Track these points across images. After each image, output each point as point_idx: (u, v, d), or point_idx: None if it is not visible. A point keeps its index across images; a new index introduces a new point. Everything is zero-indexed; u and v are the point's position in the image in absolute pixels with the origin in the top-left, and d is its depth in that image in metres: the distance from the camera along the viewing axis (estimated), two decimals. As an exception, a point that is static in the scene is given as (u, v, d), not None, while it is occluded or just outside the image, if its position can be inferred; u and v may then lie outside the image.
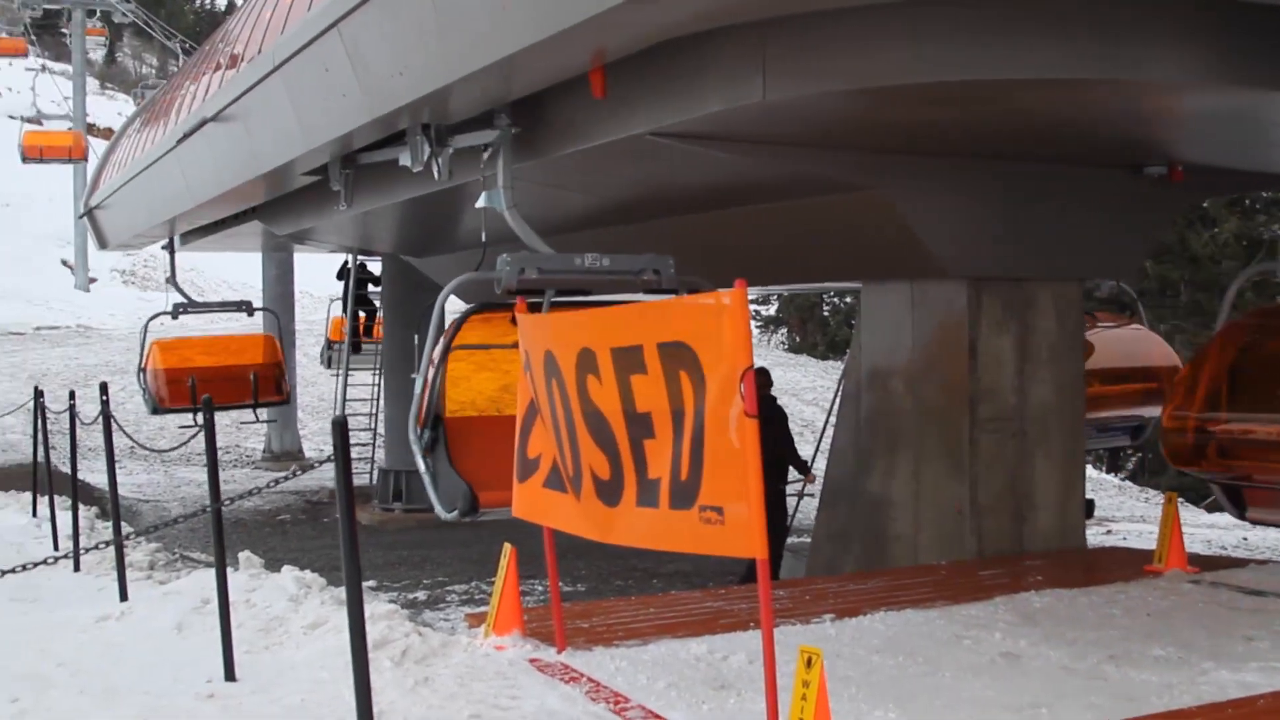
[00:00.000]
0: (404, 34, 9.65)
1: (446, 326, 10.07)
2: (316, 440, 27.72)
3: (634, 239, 15.75)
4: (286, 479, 5.75)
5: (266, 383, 21.94)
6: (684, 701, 6.80)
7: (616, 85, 8.89)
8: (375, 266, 23.65)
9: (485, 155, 10.13)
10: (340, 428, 4.60)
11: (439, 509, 9.37)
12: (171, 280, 24.31)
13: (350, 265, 23.30)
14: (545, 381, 6.94)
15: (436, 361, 9.69)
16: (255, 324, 25.11)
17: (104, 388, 10.14)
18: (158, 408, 21.35)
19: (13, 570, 5.72)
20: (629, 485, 6.38)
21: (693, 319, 5.85)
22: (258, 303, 24.90)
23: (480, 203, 10.15)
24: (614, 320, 6.52)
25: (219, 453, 23.30)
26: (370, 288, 24.23)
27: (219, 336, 23.85)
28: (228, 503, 6.93)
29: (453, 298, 10.18)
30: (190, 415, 20.30)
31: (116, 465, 22.14)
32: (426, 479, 9.52)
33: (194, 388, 20.29)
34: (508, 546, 8.02)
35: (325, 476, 22.83)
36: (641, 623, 8.67)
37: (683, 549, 6.18)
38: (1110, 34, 7.66)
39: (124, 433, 11.06)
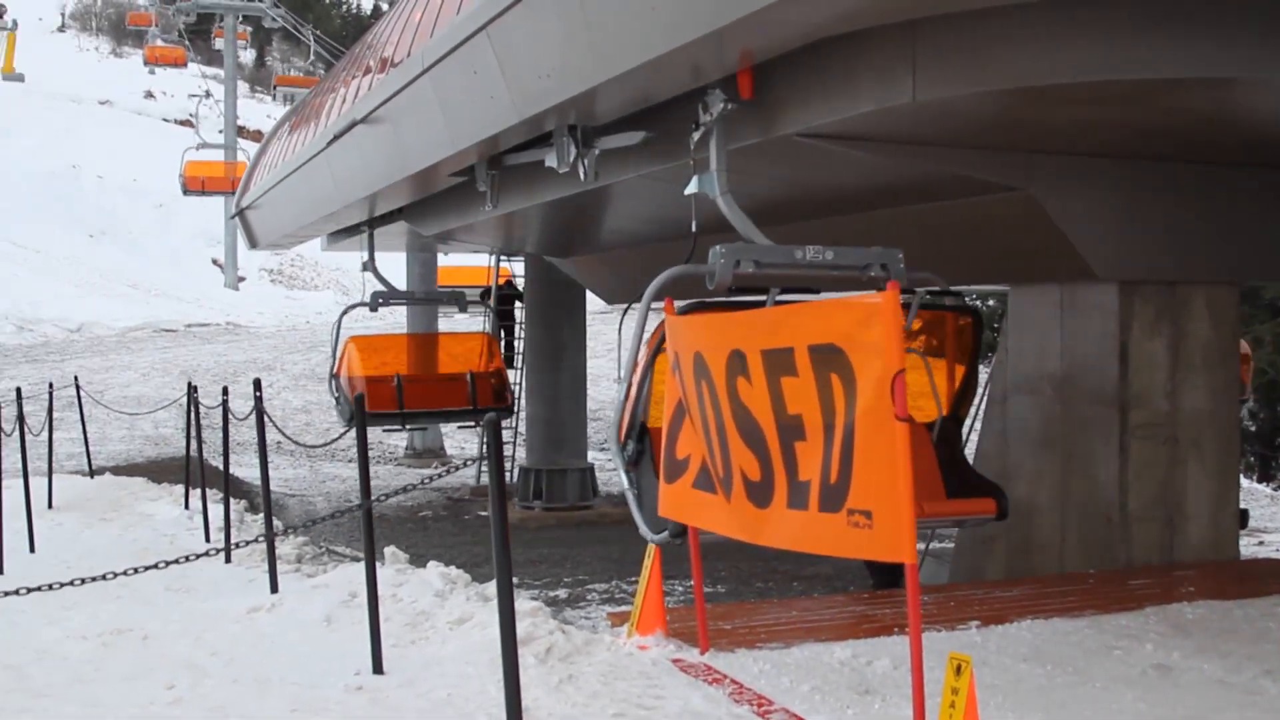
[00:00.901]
0: (552, 36, 9.72)
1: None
2: (458, 438, 28.05)
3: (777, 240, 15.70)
4: (439, 476, 5.82)
5: (485, 389, 20.23)
6: (828, 706, 6.75)
7: (764, 86, 8.88)
8: (519, 282, 23.45)
9: (695, 135, 9.16)
10: (493, 428, 4.64)
11: (645, 530, 8.54)
12: (370, 265, 21.28)
13: (494, 284, 23.07)
14: (694, 383, 6.94)
15: (642, 367, 8.93)
16: (395, 323, 25.41)
17: (257, 384, 10.36)
18: (352, 419, 18.99)
19: (175, 561, 5.88)
20: (780, 487, 6.37)
21: (844, 322, 5.82)
22: None
23: (689, 188, 9.27)
24: (764, 322, 6.52)
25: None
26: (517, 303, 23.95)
27: (428, 335, 23.10)
28: (378, 500, 7.03)
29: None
30: (397, 424, 19.60)
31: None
32: (630, 497, 8.88)
33: (400, 390, 19.16)
34: (651, 546, 8.03)
35: (465, 474, 23.13)
36: (784, 625, 8.63)
37: (830, 552, 6.15)
38: (1272, 31, 7.45)
39: (276, 428, 11.30)
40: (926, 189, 11.26)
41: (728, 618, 8.87)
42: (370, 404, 17.54)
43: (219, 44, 67.85)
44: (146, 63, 66.37)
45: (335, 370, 19.51)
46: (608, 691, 6.93)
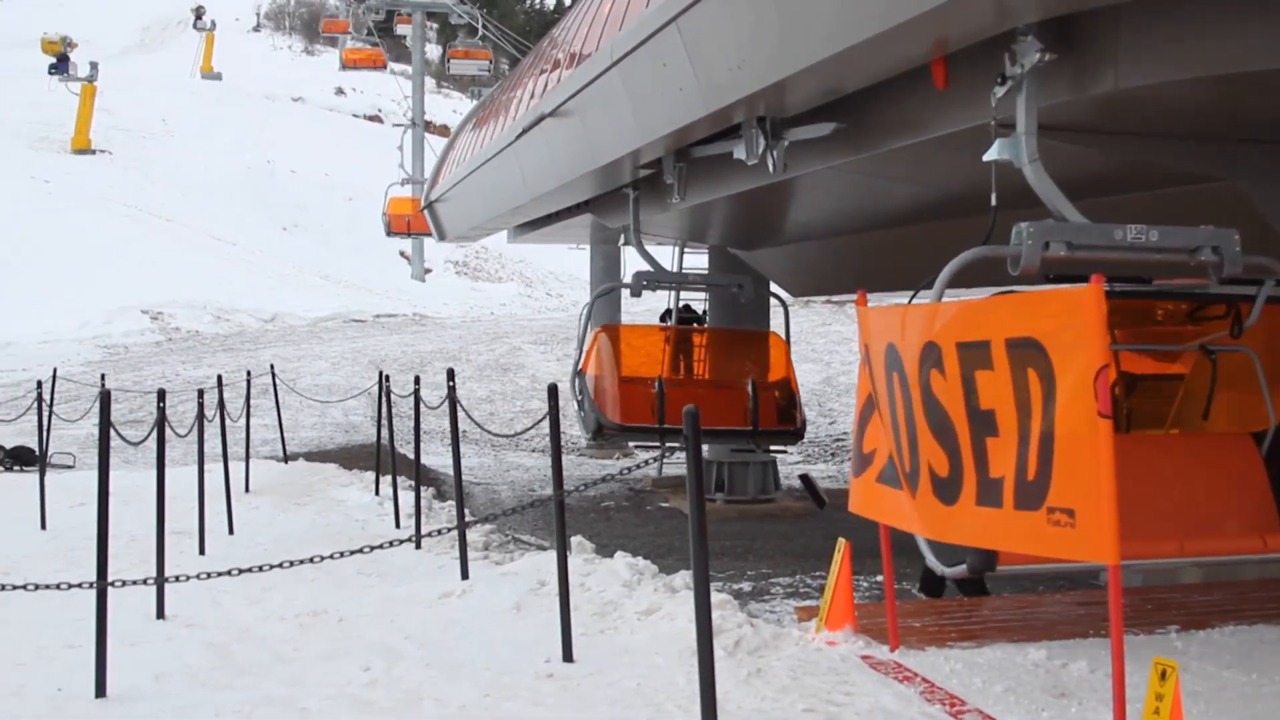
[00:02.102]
0: (743, 28, 9.69)
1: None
2: (640, 429, 28.16)
3: (961, 235, 15.46)
4: (638, 469, 5.84)
5: (769, 405, 16.51)
6: (1022, 707, 6.62)
7: (958, 76, 8.73)
8: (698, 307, 22.32)
9: (999, 93, 7.88)
10: (693, 419, 4.64)
11: (933, 561, 7.27)
12: (634, 235, 16.61)
13: (673, 306, 20.52)
14: (885, 375, 6.87)
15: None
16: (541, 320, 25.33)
17: (450, 374, 10.53)
18: (602, 428, 16.19)
19: (378, 547, 6.00)
20: (968, 483, 6.27)
21: (1045, 315, 5.71)
22: None
23: (990, 154, 8.06)
24: (961, 314, 6.41)
25: (544, 438, 23.85)
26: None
27: (700, 328, 19.69)
28: (570, 492, 7.10)
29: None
30: (654, 440, 15.96)
31: (449, 447, 23.04)
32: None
33: (661, 398, 15.64)
34: (842, 542, 7.98)
35: (649, 465, 23.21)
36: (975, 624, 8.48)
37: (1025, 550, 6.03)
38: None
39: (469, 418, 11.48)
40: (1123, 180, 10.98)
41: (917, 615, 8.75)
42: (623, 412, 15.89)
43: (407, 39, 69.38)
44: (344, 66, 67.61)
45: (581, 366, 16.57)
46: (797, 686, 6.89)
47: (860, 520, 7.64)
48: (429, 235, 33.90)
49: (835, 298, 37.92)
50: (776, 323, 19.57)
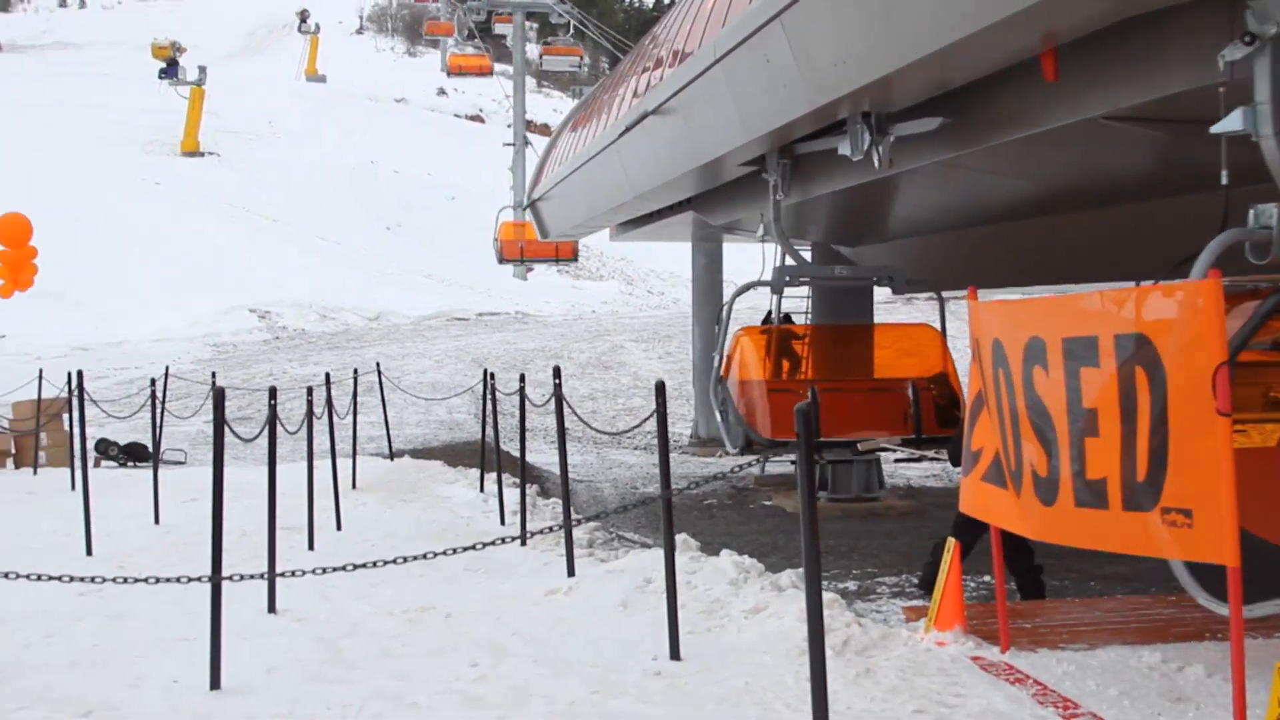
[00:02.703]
0: (849, 23, 9.63)
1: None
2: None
3: (1074, 229, 15.27)
4: (747, 467, 5.82)
5: (929, 407, 15.61)
6: (1137, 711, 6.50)
7: (1068, 68, 8.61)
8: (798, 319, 21.56)
9: (1232, 55, 6.89)
10: (804, 416, 4.60)
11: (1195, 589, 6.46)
12: (776, 225, 14.75)
13: (775, 313, 20.65)
14: (993, 371, 6.78)
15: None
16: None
17: (557, 372, 10.55)
18: (751, 444, 15.37)
19: (490, 544, 6.03)
20: (1064, 484, 6.17)
21: (1156, 310, 5.59)
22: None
23: (1223, 125, 6.98)
24: (1069, 309, 6.30)
25: (646, 436, 23.82)
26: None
27: (847, 325, 18.45)
28: (678, 491, 7.10)
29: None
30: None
31: (551, 445, 23.13)
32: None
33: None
34: (951, 541, 7.89)
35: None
36: (1087, 626, 8.35)
37: (1138, 551, 5.92)
38: None
39: (577, 415, 11.52)
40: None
41: (1027, 616, 8.64)
42: (774, 425, 14.84)
43: (507, 39, 69.89)
44: (451, 74, 68.02)
45: (721, 372, 15.41)
46: (907, 687, 6.82)
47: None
48: (546, 261, 32.38)
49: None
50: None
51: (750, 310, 25.66)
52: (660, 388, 7.88)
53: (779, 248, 22.44)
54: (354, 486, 16.30)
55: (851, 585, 13.67)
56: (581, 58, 77.68)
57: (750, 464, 6.22)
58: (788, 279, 14.97)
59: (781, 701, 6.61)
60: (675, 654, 7.51)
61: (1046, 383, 6.28)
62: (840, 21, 9.78)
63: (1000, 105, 9.95)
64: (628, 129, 16.53)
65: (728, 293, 21.90)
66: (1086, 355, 5.95)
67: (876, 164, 11.10)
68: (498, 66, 75.51)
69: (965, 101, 10.17)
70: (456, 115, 79.29)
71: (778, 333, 16.36)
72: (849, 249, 20.51)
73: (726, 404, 15.20)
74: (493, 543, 6.46)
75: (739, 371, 15.37)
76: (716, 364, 15.72)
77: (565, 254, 26.86)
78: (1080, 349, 6.01)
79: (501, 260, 38.73)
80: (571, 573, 10.17)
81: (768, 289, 15.45)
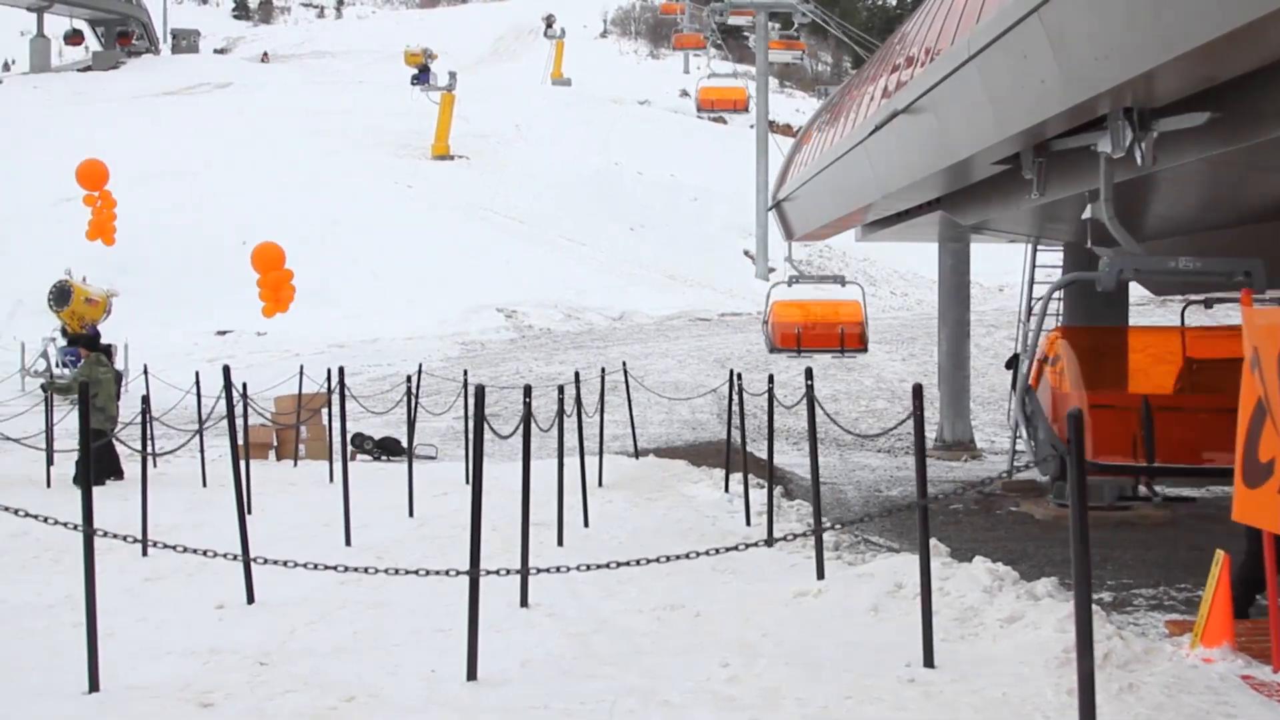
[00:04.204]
0: (1111, 16, 9.34)
1: None
2: (988, 431, 27.57)
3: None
4: (1007, 476, 5.68)
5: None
6: None
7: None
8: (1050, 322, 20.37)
9: None
10: (1075, 422, 4.45)
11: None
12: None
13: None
14: (1277, 379, 6.47)
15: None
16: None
17: (809, 373, 10.48)
18: (774, 349, 23.03)
19: (753, 545, 6.02)
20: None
21: None
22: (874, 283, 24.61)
23: None
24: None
25: (889, 439, 23.55)
26: None
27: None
28: (934, 499, 6.98)
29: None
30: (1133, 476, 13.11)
31: (794, 446, 23.02)
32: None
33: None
34: (1220, 554, 7.57)
35: (995, 467, 22.69)
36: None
37: None
38: None
39: (830, 418, 11.43)
40: None
41: (1300, 634, 8.23)
42: (1096, 445, 13.20)
43: (750, 41, 69.94)
44: (674, 49, 68.79)
45: (1030, 380, 13.80)
46: (1173, 704, 6.57)
47: (1224, 529, 7.23)
48: (829, 351, 29.99)
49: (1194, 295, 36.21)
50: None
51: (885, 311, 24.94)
52: (917, 391, 7.76)
53: (1029, 246, 22.00)
54: (600, 484, 16.51)
55: (1107, 596, 13.26)
56: (803, 51, 77.07)
57: (1007, 474, 6.06)
58: (1121, 272, 12.45)
59: (1041, 714, 6.44)
60: (929, 661, 7.39)
61: None
62: (1102, 15, 9.49)
63: (1273, 99, 9.52)
64: (877, 128, 16.34)
65: (976, 295, 21.44)
66: None
67: (1139, 161, 10.73)
68: (740, 67, 75.64)
69: (1234, 95, 9.76)
70: (699, 116, 79.62)
71: (1101, 336, 14.51)
72: (1103, 249, 19.86)
73: (1036, 418, 13.20)
74: (735, 547, 6.45)
75: (1054, 380, 13.38)
76: (1025, 370, 14.01)
77: (853, 343, 22.64)
78: None
79: (773, 349, 33.61)
80: (821, 575, 10.09)
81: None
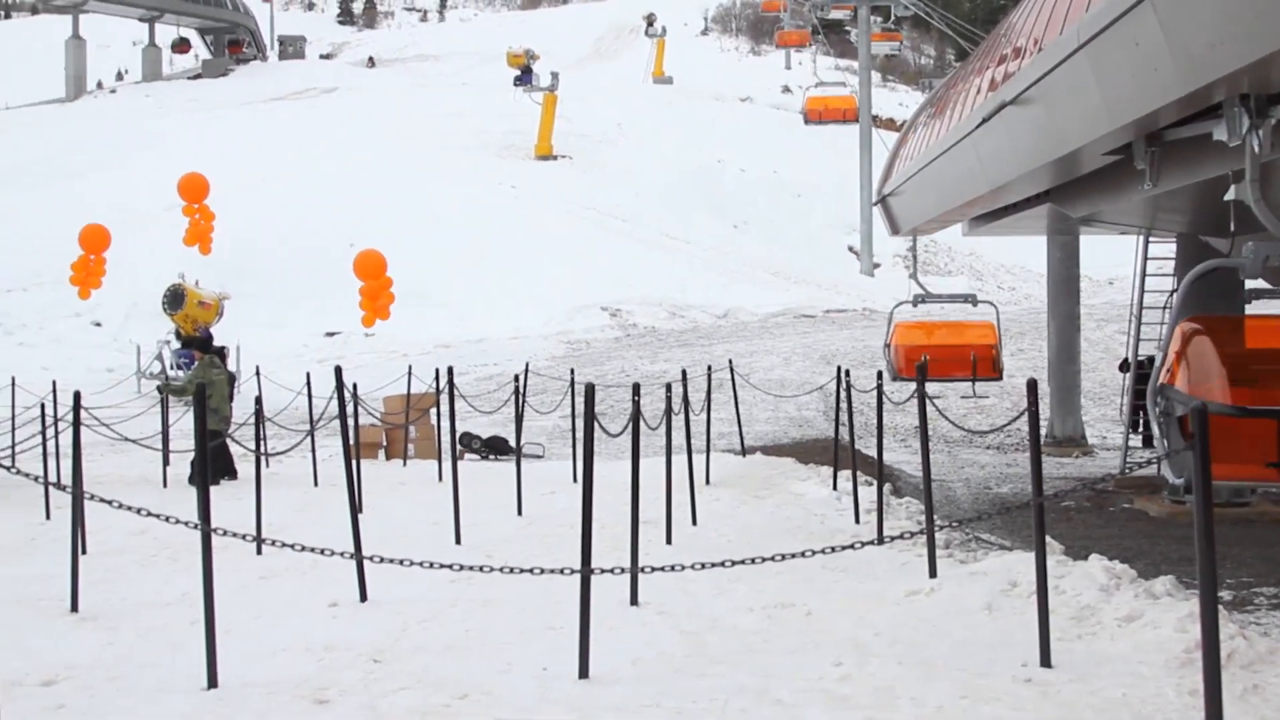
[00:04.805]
0: (1226, 1, 9.13)
1: None
2: (1099, 427, 27.16)
3: None
4: (1123, 473, 5.57)
5: (984, 362, 21.43)
6: None
7: None
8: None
9: None
10: (1200, 415, 4.35)
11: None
12: (913, 275, 24.46)
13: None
14: None
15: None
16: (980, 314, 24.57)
17: (923, 369, 10.38)
18: (896, 376, 21.01)
19: (869, 544, 5.97)
20: None
21: None
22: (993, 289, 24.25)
23: None
24: None
25: (997, 435, 23.22)
26: None
27: (944, 322, 23.85)
28: (1050, 497, 6.87)
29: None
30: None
31: (901, 443, 22.85)
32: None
33: (924, 363, 16.63)
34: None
35: (1107, 464, 22.34)
36: None
37: None
38: None
39: (943, 415, 11.33)
40: None
41: None
42: (905, 370, 15.54)
43: (852, 35, 69.60)
44: (777, 46, 68.71)
45: (1165, 376, 12.22)
46: (1301, 706, 6.42)
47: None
48: (961, 380, 27.81)
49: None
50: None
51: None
52: (1032, 386, 7.65)
53: (1140, 238, 21.60)
54: (707, 482, 16.48)
55: (1226, 595, 12.99)
56: (901, 42, 76.33)
57: (1129, 469, 5.95)
58: (1268, 258, 11.09)
59: (1163, 716, 6.32)
60: (1046, 661, 7.28)
61: None
62: (1216, 1, 9.28)
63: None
64: (984, 120, 16.13)
65: (1085, 288, 20.99)
66: None
67: (1255, 149, 10.48)
68: (842, 61, 75.23)
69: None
70: (801, 113, 79.33)
71: (1241, 325, 12.61)
72: (1219, 239, 19.46)
73: (1170, 421, 11.82)
74: (853, 545, 6.40)
75: (1187, 378, 11.84)
76: (1159, 364, 12.53)
77: (985, 370, 20.46)
78: None
79: (896, 378, 30.26)
80: (933, 574, 9.99)
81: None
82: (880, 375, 13.36)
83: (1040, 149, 14.74)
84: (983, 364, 20.52)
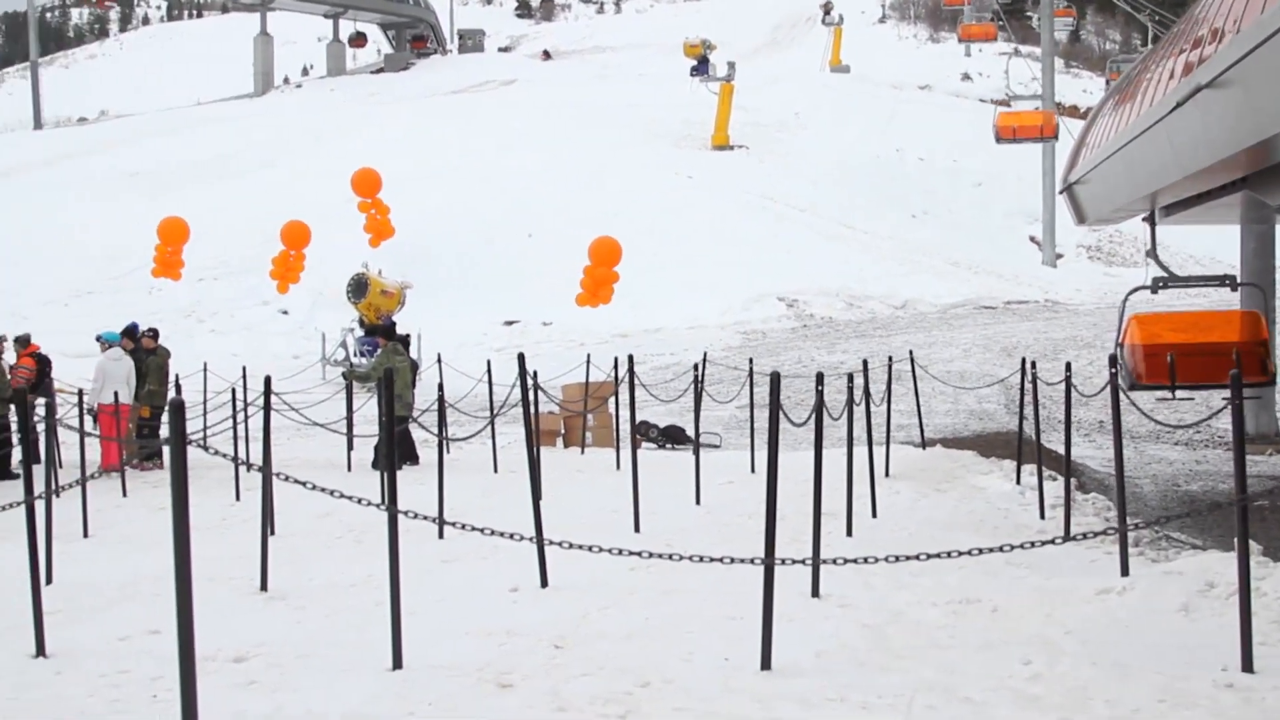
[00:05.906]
0: None
1: None
2: (1296, 421, 26.17)
3: None
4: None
5: (1250, 361, 16.40)
6: None
7: None
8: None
9: None
10: None
11: None
12: (1152, 254, 19.12)
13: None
14: None
15: None
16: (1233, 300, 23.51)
17: (1113, 360, 10.10)
18: (1135, 384, 15.35)
19: (1040, 545, 5.79)
20: None
21: None
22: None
23: None
24: None
25: (1186, 431, 22.55)
26: None
27: (1195, 312, 20.81)
28: (1256, 497, 6.61)
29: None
30: (1169, 392, 14.80)
31: (1084, 438, 22.25)
32: None
33: (1172, 364, 14.37)
34: None
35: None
36: None
37: None
38: None
39: (1137, 408, 11.01)
40: None
41: None
42: (1147, 375, 13.33)
43: (1034, 21, 68.12)
44: (960, 40, 67.83)
45: (1120, 340, 12.84)
46: None
47: None
48: (1035, 140, 23.57)
49: None
50: None
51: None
52: (1236, 380, 7.35)
53: None
54: (887, 475, 16.26)
55: None
56: (1075, 19, 74.47)
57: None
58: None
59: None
60: (1248, 666, 7.01)
61: None
62: None
63: None
64: (1178, 104, 15.61)
65: (1281, 279, 20.02)
66: None
67: None
68: (1024, 47, 73.69)
69: None
70: (982, 100, 77.86)
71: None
72: None
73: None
74: (1051, 540, 6.22)
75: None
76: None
77: (1253, 373, 18.13)
78: None
79: (999, 140, 26.33)
80: (1125, 572, 9.70)
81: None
82: (1069, 366, 12.99)
83: (1238, 134, 14.22)
84: (1249, 364, 15.37)
